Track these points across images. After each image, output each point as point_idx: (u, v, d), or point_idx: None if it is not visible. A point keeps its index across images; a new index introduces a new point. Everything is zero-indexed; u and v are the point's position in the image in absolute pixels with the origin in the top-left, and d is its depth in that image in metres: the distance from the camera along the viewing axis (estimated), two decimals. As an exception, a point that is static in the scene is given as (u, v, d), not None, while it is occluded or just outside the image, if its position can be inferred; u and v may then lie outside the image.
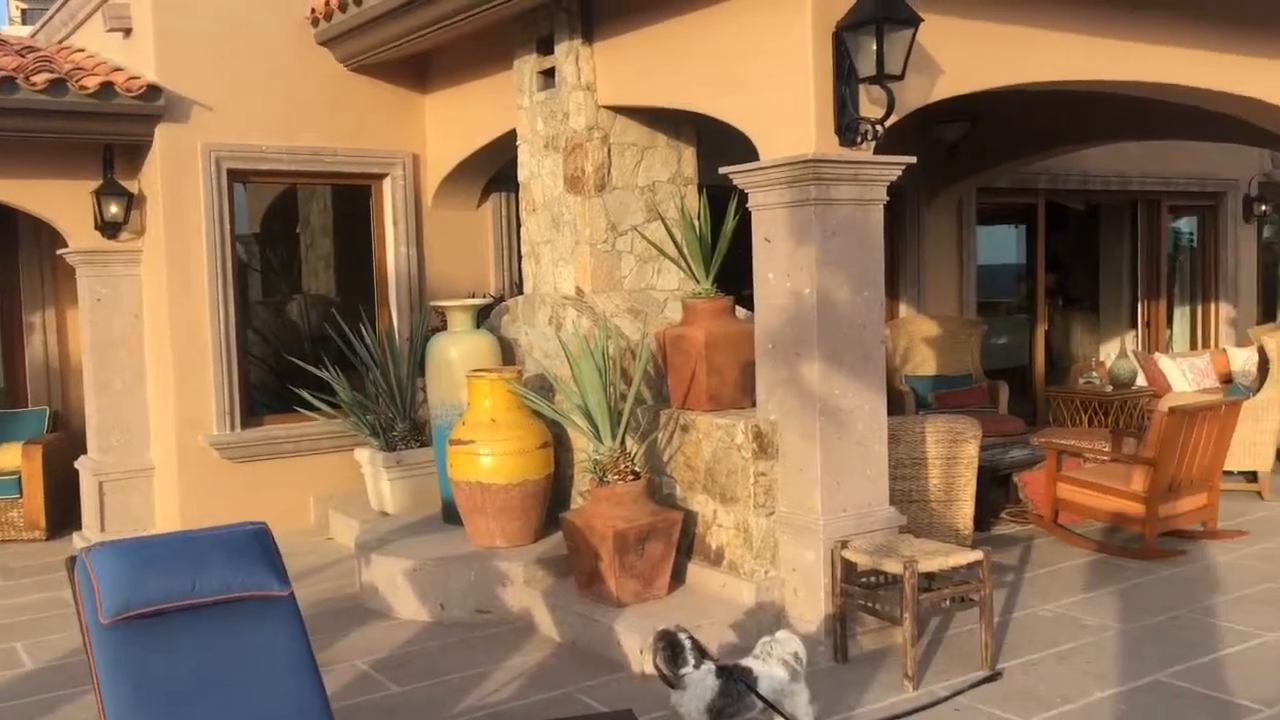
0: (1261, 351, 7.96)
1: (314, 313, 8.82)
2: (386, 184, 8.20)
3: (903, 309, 10.66)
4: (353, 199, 8.44)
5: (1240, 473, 8.04)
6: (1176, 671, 4.75)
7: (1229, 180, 13.33)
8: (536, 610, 5.61)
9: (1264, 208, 13.72)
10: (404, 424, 7.48)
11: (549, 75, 6.61)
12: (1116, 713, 4.37)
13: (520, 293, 7.57)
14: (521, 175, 6.93)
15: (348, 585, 6.38)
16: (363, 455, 7.46)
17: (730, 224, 5.71)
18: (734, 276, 5.78)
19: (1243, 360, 11.32)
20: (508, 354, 6.79)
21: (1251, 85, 6.73)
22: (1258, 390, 7.95)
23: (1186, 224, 13.81)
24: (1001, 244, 14.28)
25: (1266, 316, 14.81)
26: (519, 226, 7.30)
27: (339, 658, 5.23)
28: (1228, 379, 11.22)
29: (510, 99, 6.98)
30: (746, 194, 5.36)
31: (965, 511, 6.23)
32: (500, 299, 8.27)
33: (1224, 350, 11.60)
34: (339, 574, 6.68)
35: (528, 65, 6.74)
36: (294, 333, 8.83)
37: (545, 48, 6.58)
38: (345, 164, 7.96)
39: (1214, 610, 5.55)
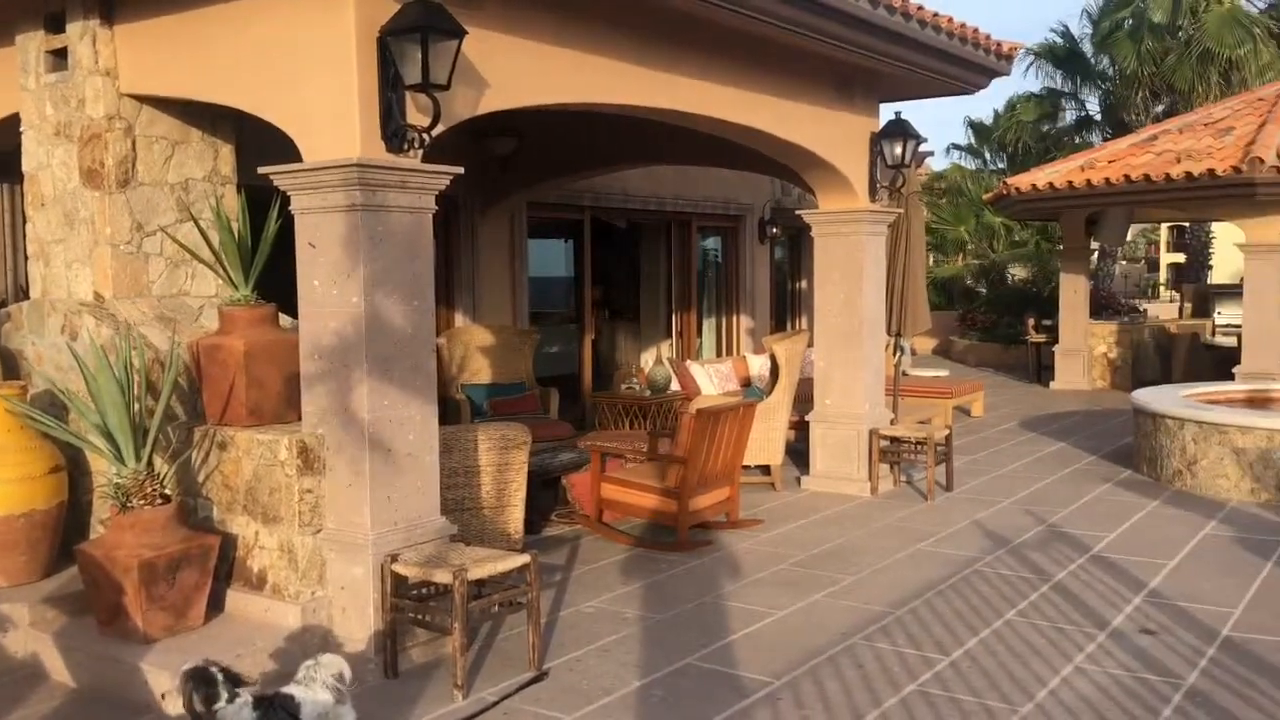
0: (773, 358, 8.91)
1: None
2: None
3: (459, 318, 10.74)
4: None
5: (757, 467, 8.93)
6: (704, 654, 5.15)
7: (747, 205, 14.82)
8: (47, 655, 4.97)
9: (775, 230, 15.40)
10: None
11: (60, 55, 5.91)
12: (652, 699, 4.66)
13: (27, 297, 6.70)
14: (27, 165, 6.15)
15: None
16: None
17: (272, 228, 5.42)
18: (286, 283, 5.49)
19: (759, 366, 12.62)
20: (10, 367, 5.98)
21: (762, 118, 7.51)
22: (770, 393, 8.88)
23: (713, 243, 15.18)
24: (553, 257, 14.88)
25: (778, 326, 16.66)
26: (25, 223, 6.46)
27: None
28: (747, 382, 12.46)
29: (13, 78, 6.17)
30: (290, 196, 5.12)
31: (516, 516, 6.37)
32: (2, 304, 7.28)
33: (744, 357, 12.86)
34: None
35: (33, 43, 5.98)
36: None
37: (55, 25, 5.88)
38: None
39: (735, 594, 6.10)
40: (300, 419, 5.23)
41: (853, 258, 8.67)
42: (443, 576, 4.68)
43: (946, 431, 8.82)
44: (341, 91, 4.91)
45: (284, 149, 5.16)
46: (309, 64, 5.02)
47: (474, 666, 4.96)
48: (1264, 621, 5.50)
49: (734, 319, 15.04)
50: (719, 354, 14.84)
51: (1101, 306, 17.94)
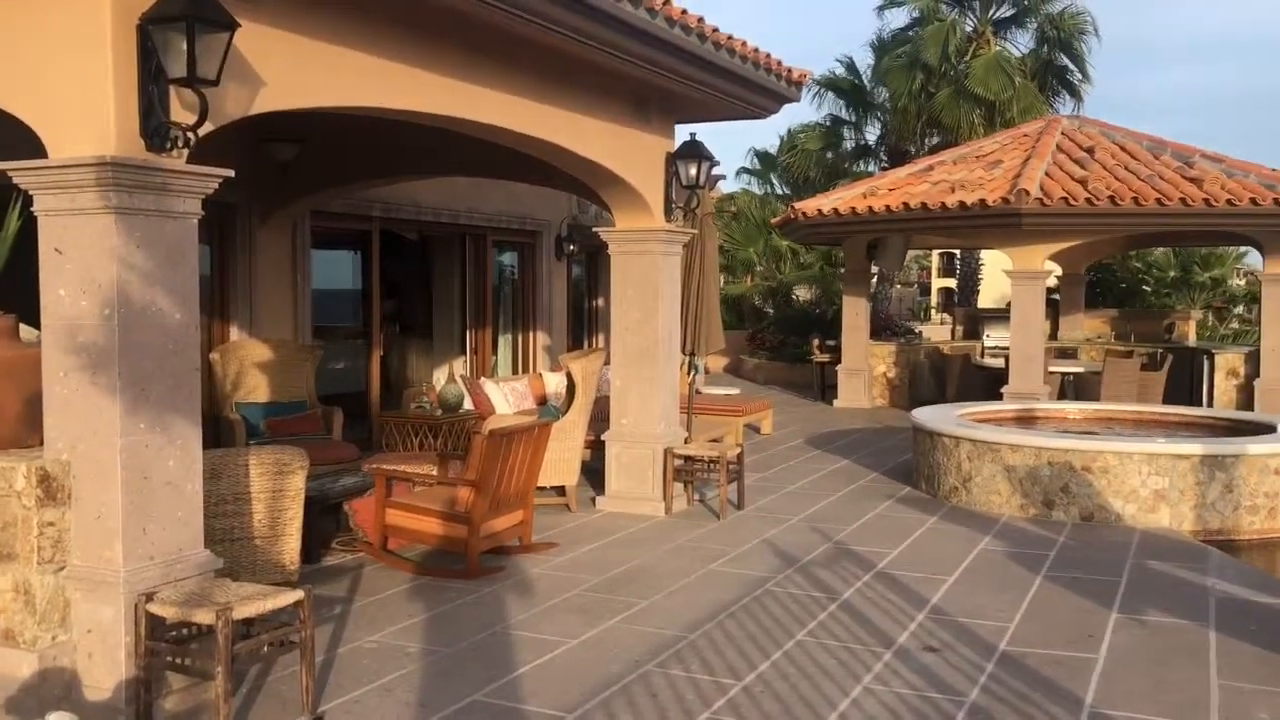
0: (570, 376, 8.77)
1: None
2: None
3: (234, 332, 10.10)
4: None
5: (552, 487, 8.75)
6: (493, 689, 4.91)
7: (544, 221, 14.68)
8: None
9: (572, 247, 15.32)
10: None
11: None
12: (437, 740, 4.38)
13: None
14: None
15: None
16: None
17: (11, 229, 4.86)
18: (29, 292, 4.92)
19: (555, 384, 12.45)
20: None
21: (560, 134, 7.36)
22: (566, 411, 8.73)
23: (510, 258, 14.95)
24: (340, 269, 14.28)
25: (575, 344, 16.57)
26: None
27: None
28: (543, 400, 12.27)
29: None
30: (33, 196, 4.59)
31: (292, 546, 5.95)
32: None
33: (540, 375, 12.67)
34: None
35: None
36: None
37: None
38: None
39: (527, 623, 5.89)
40: (43, 443, 4.69)
41: (649, 277, 8.64)
42: (204, 616, 4.27)
43: (738, 450, 8.89)
44: (95, 82, 4.44)
45: (28, 143, 4.63)
46: (58, 50, 4.52)
47: (241, 711, 4.56)
48: (1036, 635, 5.72)
49: (530, 336, 14.85)
50: (515, 371, 14.60)
51: (880, 328, 18.74)
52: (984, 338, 17.54)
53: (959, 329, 18.88)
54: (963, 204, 12.74)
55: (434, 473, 7.55)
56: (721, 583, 6.71)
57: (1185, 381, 15.22)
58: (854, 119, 24.14)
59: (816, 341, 17.81)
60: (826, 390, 17.34)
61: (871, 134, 24.32)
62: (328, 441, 9.11)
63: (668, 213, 8.74)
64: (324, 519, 7.40)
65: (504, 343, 14.89)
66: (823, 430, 13.75)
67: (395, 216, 12.06)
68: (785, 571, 6.98)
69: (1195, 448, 8.26)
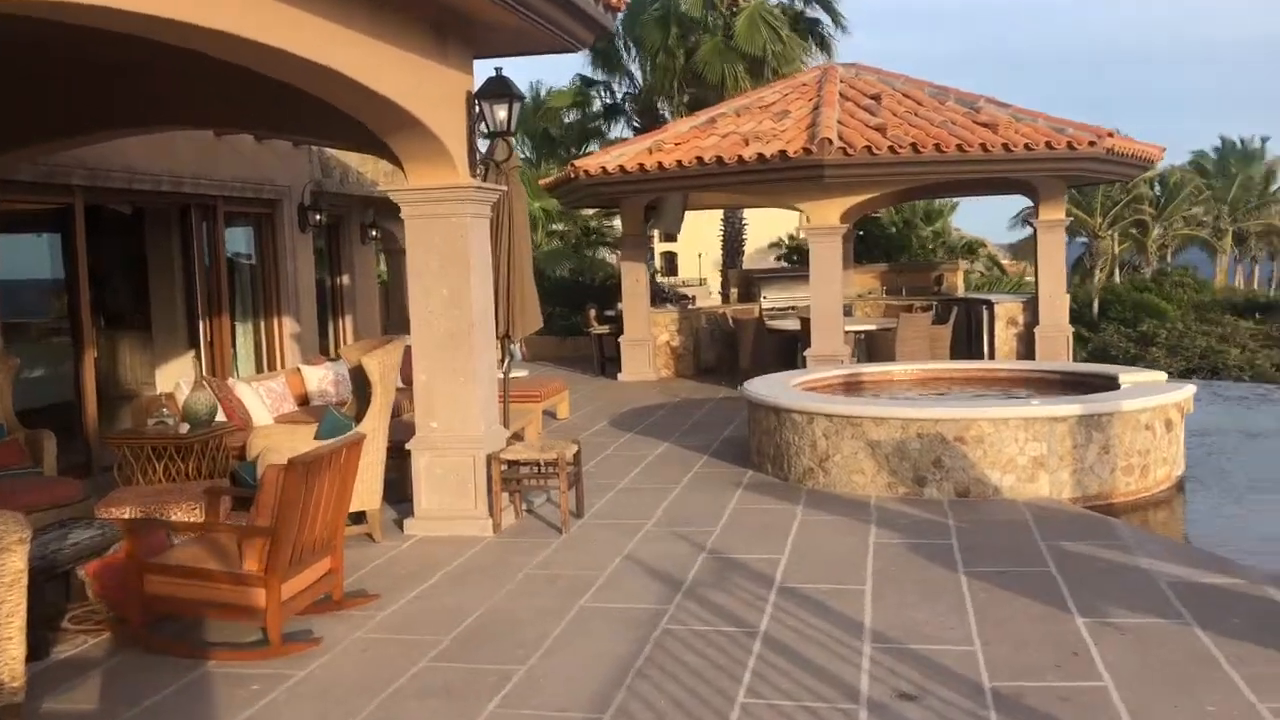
0: (360, 374, 7.04)
1: None
2: None
3: (-110, 341, 7.62)
4: None
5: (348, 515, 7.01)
6: None
7: (284, 187, 12.58)
8: None
9: (319, 217, 13.28)
10: None
11: None
12: None
13: None
14: None
15: None
16: None
17: None
18: None
19: (317, 380, 10.56)
20: None
21: (351, 62, 5.63)
22: (360, 417, 7.00)
23: (244, 233, 12.72)
24: (29, 254, 11.59)
25: (320, 330, 14.51)
26: None
27: None
28: (304, 400, 10.36)
29: None
30: None
31: (13, 656, 4.07)
32: None
33: (298, 369, 10.72)
34: None
35: None
36: None
37: None
38: None
39: (375, 724, 4.28)
40: None
41: (455, 245, 7.03)
42: None
43: (576, 448, 7.48)
44: None
45: None
46: None
47: None
48: (1015, 659, 4.69)
49: (275, 324, 12.73)
50: (260, 367, 12.46)
51: (652, 295, 17.71)
52: (762, 299, 16.89)
53: (734, 291, 18.18)
54: (761, 156, 11.79)
55: (200, 515, 5.70)
56: (605, 626, 5.31)
57: (967, 333, 15.13)
58: (604, 77, 22.97)
59: (593, 312, 16.57)
60: (606, 364, 16.15)
61: (623, 93, 23.24)
62: (39, 479, 6.95)
63: (473, 165, 7.15)
64: (49, 589, 5.42)
65: (243, 333, 12.69)
66: (621, 410, 12.52)
67: (103, 186, 9.73)
68: (674, 600, 5.66)
69: (1073, 408, 7.61)
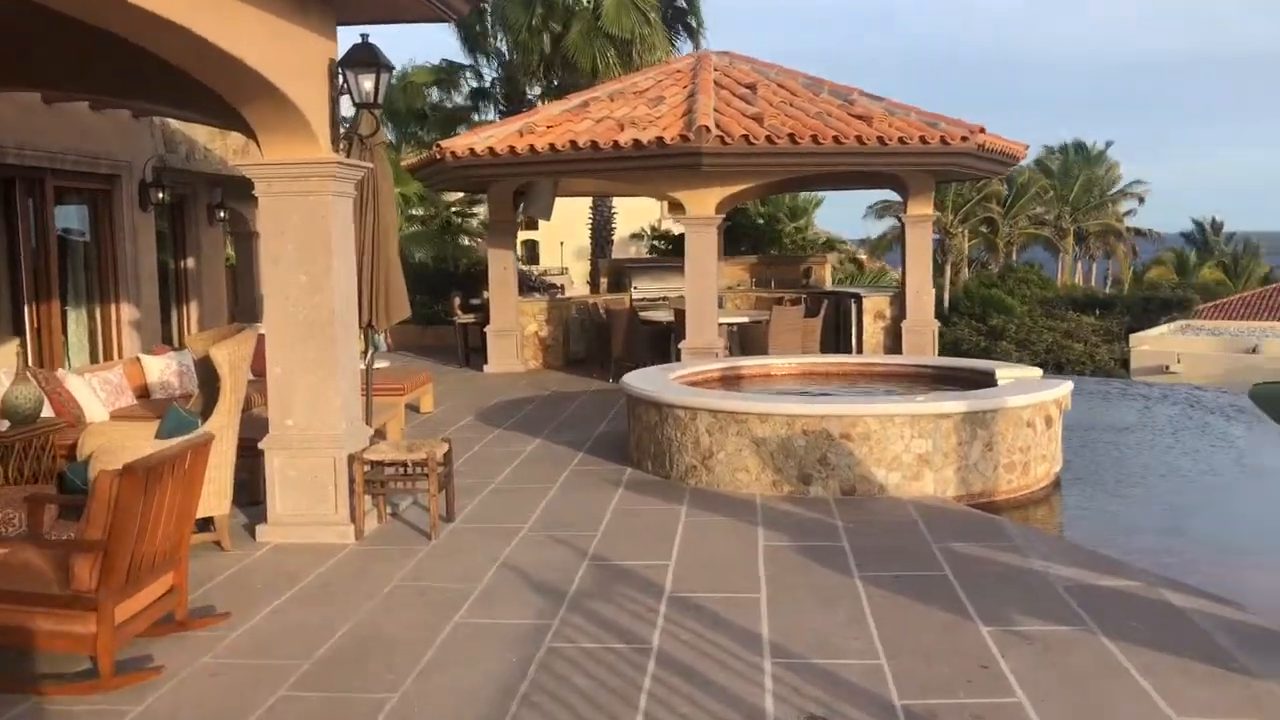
0: (209, 365, 6.39)
1: None
2: None
3: None
4: None
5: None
6: None
7: (124, 163, 11.63)
8: None
9: (161, 195, 12.34)
10: None
11: None
12: None
13: None
14: None
15: None
16: None
17: None
18: None
19: (159, 370, 9.74)
20: None
21: (203, 19, 5.01)
22: (206, 413, 6.35)
23: (78, 210, 11.70)
24: None
25: (163, 316, 13.54)
26: None
27: None
28: (144, 393, 9.53)
29: None
30: None
31: None
32: None
33: (137, 359, 9.86)
34: None
35: None
36: None
37: None
38: None
39: (225, 770, 3.74)
40: None
41: (316, 227, 6.45)
42: None
43: (446, 447, 6.98)
44: None
45: None
46: None
47: None
48: (922, 673, 4.45)
49: (113, 310, 11.78)
50: (95, 357, 11.49)
51: (520, 284, 17.18)
52: (632, 289, 16.57)
53: (604, 281, 17.80)
54: (637, 142, 11.43)
55: (23, 529, 5.02)
56: (484, 644, 4.87)
57: (836, 326, 15.13)
58: (471, 61, 22.27)
59: (458, 301, 15.95)
60: (471, 355, 15.58)
61: (491, 76, 22.56)
62: None
63: (335, 140, 6.57)
64: None
65: (76, 320, 11.69)
66: (489, 403, 12.01)
67: (-90, 152, 8.72)
68: (558, 613, 5.25)
69: (958, 405, 7.49)
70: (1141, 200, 59.13)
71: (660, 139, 11.29)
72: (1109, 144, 58.94)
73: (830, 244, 32.93)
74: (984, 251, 51.60)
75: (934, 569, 5.83)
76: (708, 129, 11.15)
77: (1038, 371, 9.01)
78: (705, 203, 12.12)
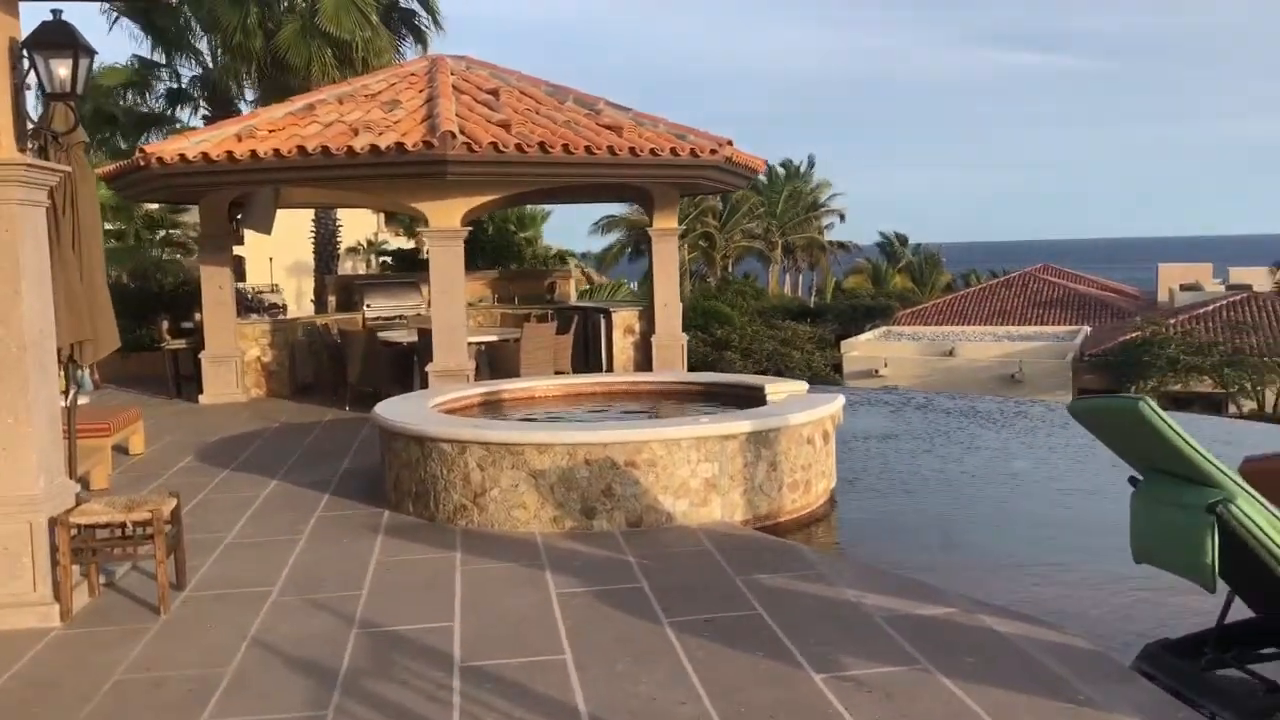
0: None
1: None
2: None
3: None
4: None
5: None
6: None
7: None
8: None
9: None
10: None
11: None
12: None
13: None
14: None
15: None
16: None
17: None
18: None
19: None
20: None
21: None
22: None
23: None
24: None
25: None
26: None
27: None
28: None
29: None
30: None
31: None
32: None
33: None
34: None
35: None
36: None
37: None
38: None
39: None
40: None
41: (1, 242, 5.23)
42: None
43: (174, 502, 5.88)
44: None
45: None
46: None
47: None
48: (769, 739, 3.96)
49: None
50: None
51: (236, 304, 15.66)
52: (365, 308, 15.46)
53: (332, 300, 16.52)
54: (375, 148, 10.49)
55: None
56: (246, 753, 3.96)
57: (585, 342, 14.69)
58: (166, 60, 20.24)
59: (166, 324, 14.27)
60: (184, 384, 13.96)
61: (189, 76, 20.61)
62: None
63: (22, 136, 5.38)
64: None
65: None
66: (210, 439, 10.68)
67: None
68: (332, 701, 4.39)
69: (744, 424, 7.14)
70: (842, 216, 62.89)
71: (401, 145, 10.42)
72: (812, 162, 62.30)
73: (562, 257, 32.68)
74: (703, 265, 53.18)
75: (745, 608, 5.39)
76: (454, 135, 10.39)
77: (804, 385, 8.86)
78: (450, 214, 11.34)
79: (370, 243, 34.94)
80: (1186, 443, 4.08)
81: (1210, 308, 33.95)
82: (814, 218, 60.55)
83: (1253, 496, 4.05)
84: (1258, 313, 33.09)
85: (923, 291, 59.99)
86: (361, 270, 32.62)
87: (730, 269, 55.22)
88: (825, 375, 31.99)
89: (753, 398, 8.61)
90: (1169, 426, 4.08)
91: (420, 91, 12.33)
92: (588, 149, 11.00)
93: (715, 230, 51.85)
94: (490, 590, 5.79)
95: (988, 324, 42.64)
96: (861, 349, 36.29)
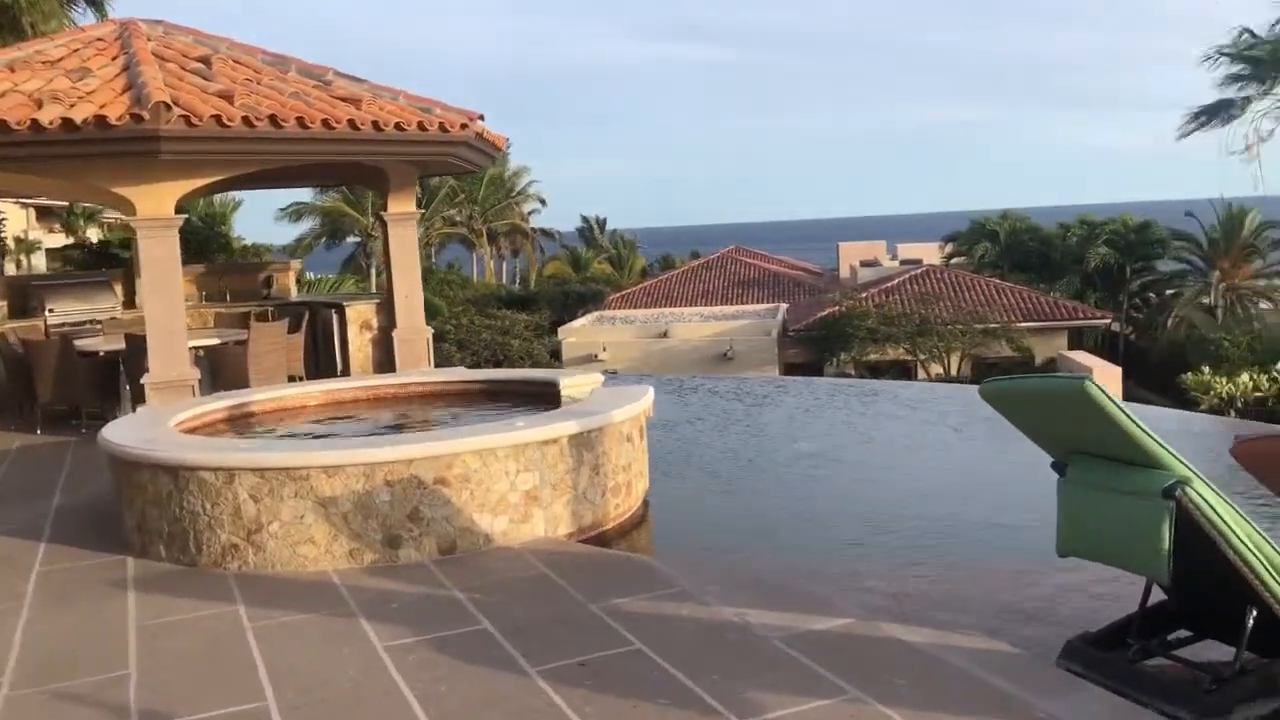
0: None
1: None
2: None
3: None
4: None
5: None
6: None
7: None
8: None
9: None
10: None
11: None
12: None
13: None
14: None
15: None
16: None
17: None
18: None
19: None
20: None
21: None
22: None
23: None
24: None
25: None
26: None
27: None
28: None
29: None
30: None
31: None
32: None
33: None
34: None
35: None
36: None
37: None
38: None
39: None
40: None
41: None
42: None
43: None
44: None
45: None
46: None
47: None
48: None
49: None
50: None
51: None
52: (47, 313, 13.26)
53: (2, 305, 14.05)
54: (68, 122, 8.75)
55: None
56: None
57: (315, 342, 13.30)
58: None
59: None
60: None
61: None
62: None
63: None
64: None
65: None
66: None
67: None
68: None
69: (568, 425, 6.34)
70: (544, 202, 62.78)
71: (102, 118, 8.75)
72: (509, 144, 61.72)
73: (257, 250, 30.29)
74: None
75: (619, 643, 4.63)
76: (167, 106, 8.84)
77: (599, 377, 8.19)
78: (162, 200, 9.72)
79: (19, 239, 30.97)
80: (1135, 424, 3.73)
81: (894, 282, 36.39)
82: (515, 203, 60.02)
83: (1201, 478, 3.76)
84: (936, 284, 35.81)
85: (622, 276, 61.01)
86: (12, 272, 28.80)
87: (433, 258, 53.68)
88: (547, 363, 31.54)
89: (545, 395, 7.85)
90: (1117, 407, 3.72)
91: (114, 58, 10.53)
92: (325, 123, 9.73)
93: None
94: (298, 652, 4.71)
95: (694, 305, 43.77)
96: (578, 335, 36.17)
